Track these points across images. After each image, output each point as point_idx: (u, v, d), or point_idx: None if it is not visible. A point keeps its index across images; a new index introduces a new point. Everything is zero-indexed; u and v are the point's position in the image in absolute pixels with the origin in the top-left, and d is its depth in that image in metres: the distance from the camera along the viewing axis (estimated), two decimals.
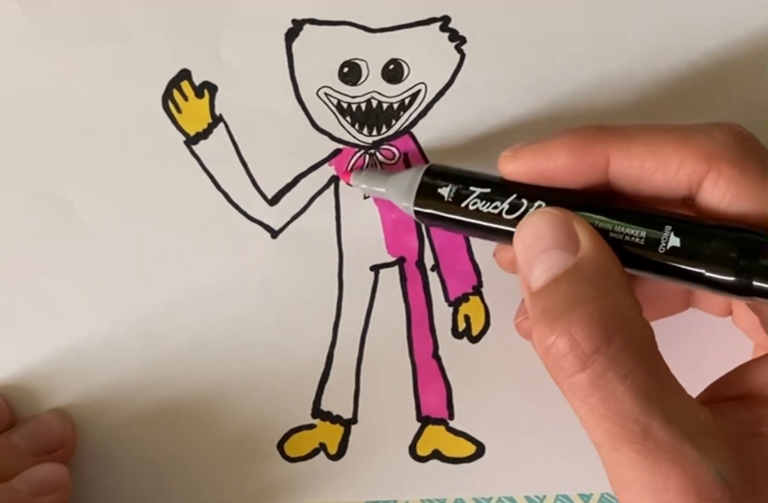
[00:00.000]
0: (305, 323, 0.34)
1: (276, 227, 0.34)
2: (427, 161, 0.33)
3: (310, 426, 0.35)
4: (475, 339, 0.34)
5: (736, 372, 0.27)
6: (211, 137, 0.33)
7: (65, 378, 0.34)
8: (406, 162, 0.33)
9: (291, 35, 0.32)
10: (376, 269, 0.34)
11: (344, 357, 0.34)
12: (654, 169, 0.26)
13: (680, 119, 0.33)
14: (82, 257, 0.33)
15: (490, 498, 0.34)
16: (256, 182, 0.33)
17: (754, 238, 0.25)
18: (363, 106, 0.33)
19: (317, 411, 0.34)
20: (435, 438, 0.34)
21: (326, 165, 0.33)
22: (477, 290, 0.34)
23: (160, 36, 0.32)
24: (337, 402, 0.34)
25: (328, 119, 0.33)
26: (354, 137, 0.33)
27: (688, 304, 0.32)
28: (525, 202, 0.28)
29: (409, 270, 0.34)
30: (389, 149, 0.33)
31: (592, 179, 0.27)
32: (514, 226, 0.27)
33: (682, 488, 0.23)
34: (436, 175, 0.30)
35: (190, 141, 0.33)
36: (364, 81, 0.32)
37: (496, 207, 0.28)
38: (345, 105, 0.33)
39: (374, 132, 0.33)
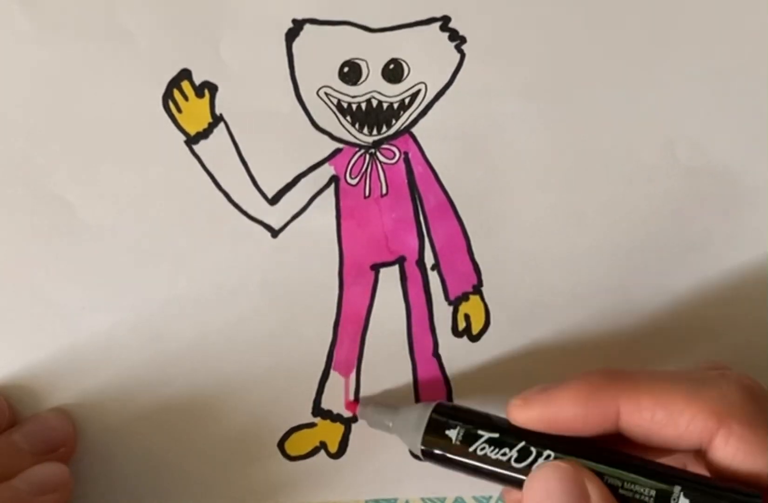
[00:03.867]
0: (305, 322, 0.34)
1: (276, 227, 0.34)
2: (428, 161, 0.33)
3: (311, 425, 0.35)
4: (475, 338, 0.34)
5: None
6: (212, 136, 0.33)
7: (65, 377, 0.34)
8: (407, 161, 0.33)
9: (291, 35, 0.32)
10: (376, 268, 0.34)
11: (344, 356, 0.34)
12: (664, 422, 0.27)
13: (680, 117, 0.33)
14: (82, 257, 0.33)
15: (490, 497, 0.35)
16: (256, 182, 0.33)
17: None
18: (363, 105, 0.33)
19: (318, 410, 0.35)
20: None
21: (326, 165, 0.33)
22: (477, 289, 0.34)
23: (160, 36, 0.32)
24: (337, 400, 0.34)
25: (328, 119, 0.33)
26: (354, 136, 0.33)
27: None
28: (534, 450, 0.28)
29: (410, 269, 0.34)
30: (389, 149, 0.33)
31: (602, 428, 0.28)
32: (523, 474, 0.28)
33: None
34: (444, 414, 0.30)
35: (191, 141, 0.33)
36: (364, 81, 0.32)
37: (504, 454, 0.28)
38: (345, 105, 0.33)
39: (374, 132, 0.33)
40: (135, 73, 0.32)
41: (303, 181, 0.33)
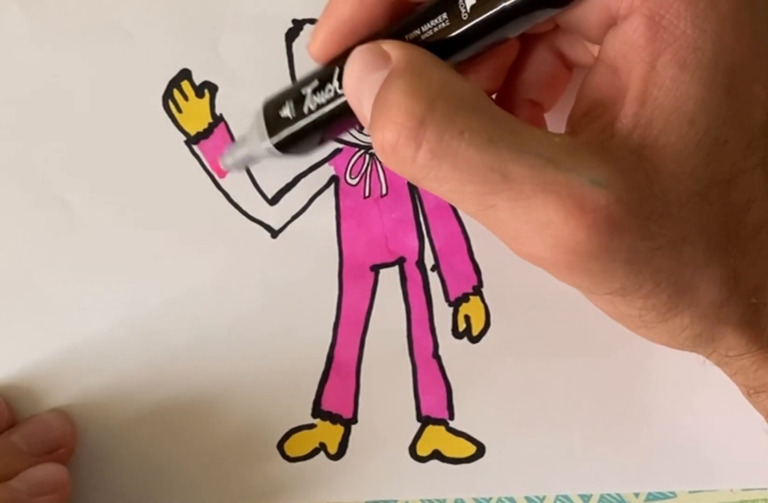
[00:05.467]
0: (305, 323, 0.34)
1: (276, 227, 0.34)
2: None
3: (310, 426, 0.35)
4: (475, 339, 0.34)
5: (579, 95, 0.26)
6: (212, 136, 0.33)
7: (65, 378, 0.34)
8: None
9: (291, 35, 0.32)
10: (376, 269, 0.34)
11: (344, 357, 0.34)
12: None
13: None
14: (82, 257, 0.33)
15: (490, 498, 0.34)
16: (256, 182, 0.33)
17: None
18: None
19: (317, 411, 0.34)
20: (435, 438, 0.34)
21: (326, 165, 0.33)
22: (477, 290, 0.34)
23: (160, 36, 0.32)
24: (337, 401, 0.34)
25: None
26: (354, 136, 0.33)
27: (557, 54, 0.29)
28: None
29: (409, 270, 0.34)
30: None
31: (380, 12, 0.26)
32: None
33: (564, 211, 0.22)
34: (270, 106, 0.29)
35: (191, 141, 0.33)
36: None
37: (330, 91, 0.27)
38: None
39: None
40: (135, 73, 0.32)
41: (303, 181, 0.33)
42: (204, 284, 0.34)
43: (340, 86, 0.26)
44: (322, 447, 0.35)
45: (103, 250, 0.33)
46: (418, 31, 0.25)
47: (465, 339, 0.34)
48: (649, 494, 0.34)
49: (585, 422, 0.34)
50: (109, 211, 0.33)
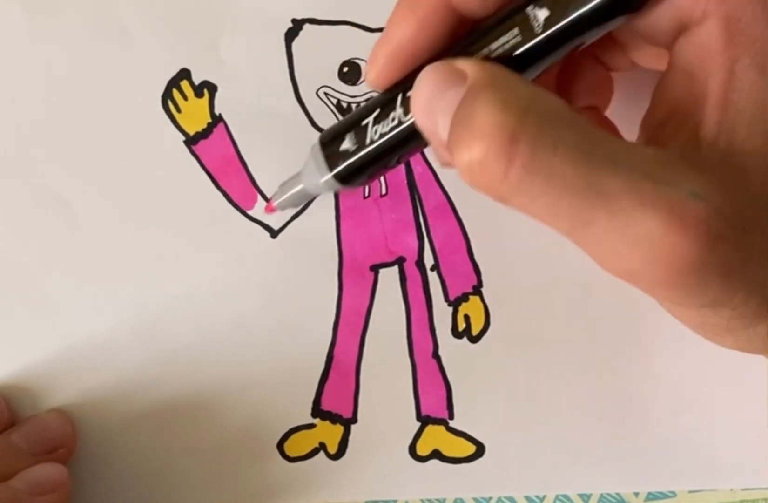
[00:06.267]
0: (305, 323, 0.34)
1: (276, 227, 0.34)
2: (427, 161, 0.33)
3: (310, 426, 0.35)
4: (475, 339, 0.34)
5: (654, 102, 0.25)
6: (211, 136, 0.33)
7: (65, 377, 0.34)
8: (406, 162, 0.33)
9: (291, 35, 0.32)
10: (375, 269, 0.34)
11: (344, 357, 0.34)
12: None
13: None
14: (82, 257, 0.33)
15: (490, 498, 0.34)
16: (256, 182, 0.33)
17: None
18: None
19: (317, 411, 0.34)
20: (435, 437, 0.34)
21: None
22: (477, 290, 0.34)
23: (160, 36, 0.32)
24: (336, 401, 0.34)
25: (328, 119, 0.33)
26: None
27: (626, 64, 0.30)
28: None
29: (409, 270, 0.34)
30: None
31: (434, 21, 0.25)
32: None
33: (664, 225, 0.21)
34: (328, 140, 0.28)
35: (190, 141, 0.33)
36: (363, 81, 0.33)
37: (393, 118, 0.26)
38: (345, 105, 0.33)
39: None
40: (135, 73, 0.32)
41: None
42: (204, 284, 0.34)
43: (405, 113, 0.26)
44: (322, 446, 0.35)
45: (102, 250, 0.33)
46: (487, 50, 0.25)
47: (465, 339, 0.34)
48: (649, 494, 0.34)
49: (585, 422, 0.34)
50: (109, 211, 0.33)
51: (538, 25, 0.24)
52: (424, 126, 0.24)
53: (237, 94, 0.32)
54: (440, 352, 0.34)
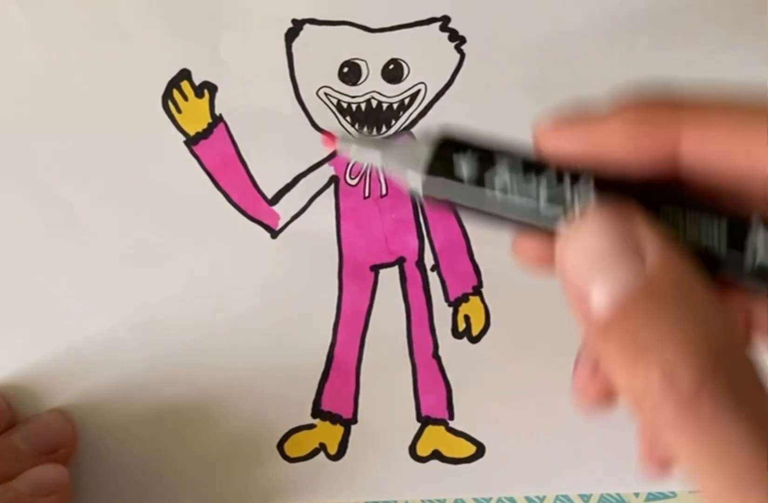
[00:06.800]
0: (305, 323, 0.34)
1: (276, 227, 0.34)
2: None
3: (310, 426, 0.35)
4: (475, 339, 0.34)
5: None
6: (211, 136, 0.33)
7: (65, 378, 0.34)
8: None
9: (291, 35, 0.32)
10: (376, 269, 0.34)
11: (344, 357, 0.34)
12: (739, 153, 0.20)
13: None
14: (82, 257, 0.33)
15: (490, 498, 0.34)
16: (256, 182, 0.33)
17: None
18: (363, 106, 0.33)
19: (317, 411, 0.34)
20: (435, 438, 0.34)
21: (326, 165, 0.33)
22: (477, 291, 0.34)
23: (160, 36, 0.32)
24: (337, 402, 0.34)
25: (328, 119, 0.33)
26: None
27: None
28: (569, 194, 0.21)
29: (409, 270, 0.34)
30: None
31: (654, 164, 0.21)
32: (553, 223, 0.21)
33: None
34: (451, 147, 0.22)
35: (190, 141, 0.33)
36: (363, 81, 0.32)
37: (531, 196, 0.21)
38: (345, 105, 0.33)
39: (374, 132, 0.33)
40: (135, 73, 0.32)
41: (303, 181, 0.33)
42: (204, 284, 0.34)
43: (548, 202, 0.21)
44: (322, 447, 0.35)
45: (103, 250, 0.33)
46: (680, 227, 0.20)
47: (465, 339, 0.34)
48: (649, 494, 0.34)
49: (585, 422, 0.34)
50: (110, 211, 0.33)
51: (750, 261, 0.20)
52: (569, 285, 0.21)
53: (237, 95, 0.32)
54: (440, 352, 0.34)
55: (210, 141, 0.33)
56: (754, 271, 0.20)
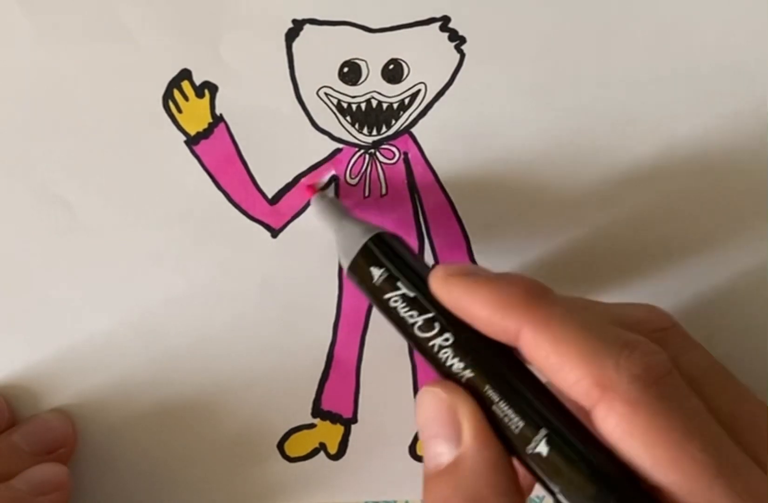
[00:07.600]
0: (305, 322, 0.34)
1: (276, 227, 0.34)
2: (427, 162, 0.33)
3: (310, 426, 0.35)
4: None
5: None
6: (212, 136, 0.33)
7: (65, 377, 0.34)
8: (406, 162, 0.33)
9: (291, 35, 0.32)
10: None
11: (344, 357, 0.34)
12: (555, 369, 0.24)
13: (680, 117, 0.33)
14: (82, 257, 0.33)
15: None
16: (256, 182, 0.33)
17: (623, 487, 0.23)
18: (363, 106, 0.33)
19: (317, 411, 0.34)
20: None
21: (326, 165, 0.33)
22: None
23: (160, 36, 0.32)
24: (337, 401, 0.34)
25: (328, 119, 0.33)
26: (354, 136, 0.33)
27: None
28: (438, 327, 0.26)
29: None
30: (389, 149, 0.33)
31: (507, 341, 0.25)
32: (424, 343, 0.26)
33: None
34: (379, 246, 0.28)
35: (191, 141, 0.33)
36: (364, 81, 0.33)
37: (412, 317, 0.27)
38: (345, 105, 0.33)
39: (374, 132, 0.33)
40: (135, 73, 0.32)
41: (303, 181, 0.33)
42: (204, 284, 0.34)
43: (420, 328, 0.27)
44: (322, 446, 0.35)
45: (102, 250, 0.33)
46: (495, 400, 0.25)
47: None
48: None
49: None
50: (109, 211, 0.33)
51: (531, 448, 0.24)
52: (419, 426, 0.26)
53: (238, 95, 0.32)
54: None
55: (210, 141, 0.33)
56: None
